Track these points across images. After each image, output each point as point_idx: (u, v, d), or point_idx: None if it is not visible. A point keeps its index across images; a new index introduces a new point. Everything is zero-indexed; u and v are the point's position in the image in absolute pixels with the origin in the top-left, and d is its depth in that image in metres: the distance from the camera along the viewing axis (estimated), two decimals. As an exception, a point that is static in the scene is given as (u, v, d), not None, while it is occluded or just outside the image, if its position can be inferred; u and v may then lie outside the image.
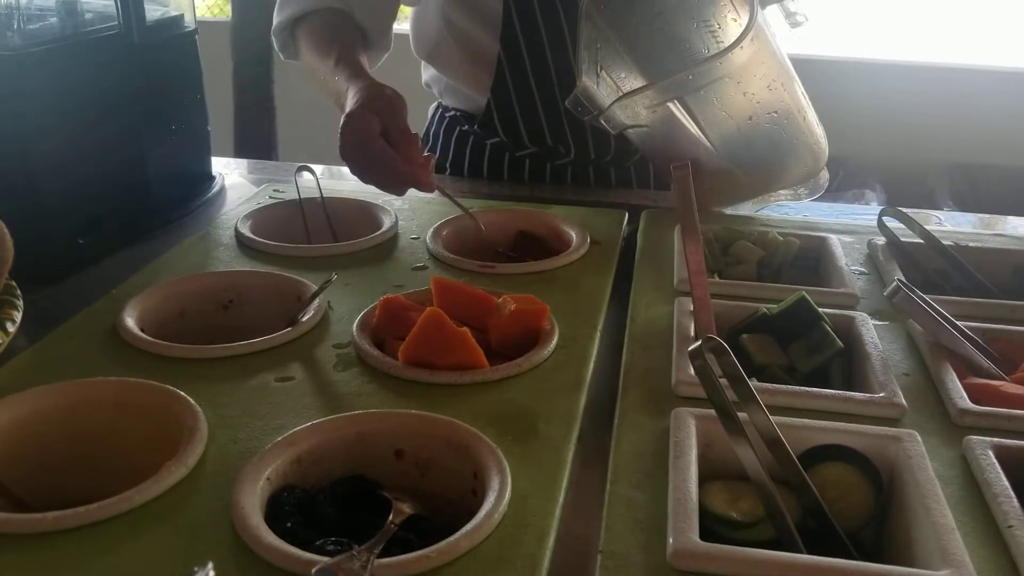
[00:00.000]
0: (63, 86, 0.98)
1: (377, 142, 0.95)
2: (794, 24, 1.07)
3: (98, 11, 1.05)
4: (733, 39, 0.88)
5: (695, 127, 0.92)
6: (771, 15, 1.01)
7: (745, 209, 1.15)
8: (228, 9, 3.43)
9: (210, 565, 0.40)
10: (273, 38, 1.30)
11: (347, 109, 0.99)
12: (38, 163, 0.96)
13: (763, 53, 0.93)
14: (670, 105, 0.91)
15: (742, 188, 1.07)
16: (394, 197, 1.16)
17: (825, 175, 1.14)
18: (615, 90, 0.92)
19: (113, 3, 1.04)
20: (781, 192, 1.14)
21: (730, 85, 0.92)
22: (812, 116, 1.04)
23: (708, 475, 0.64)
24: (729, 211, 1.13)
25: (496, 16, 1.22)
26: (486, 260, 0.99)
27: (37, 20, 1.00)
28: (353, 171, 0.99)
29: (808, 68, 1.15)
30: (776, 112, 0.97)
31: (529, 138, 1.29)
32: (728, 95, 0.92)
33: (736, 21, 0.90)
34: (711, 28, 0.90)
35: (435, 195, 1.03)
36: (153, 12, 1.10)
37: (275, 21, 1.28)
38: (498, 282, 0.91)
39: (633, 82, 0.91)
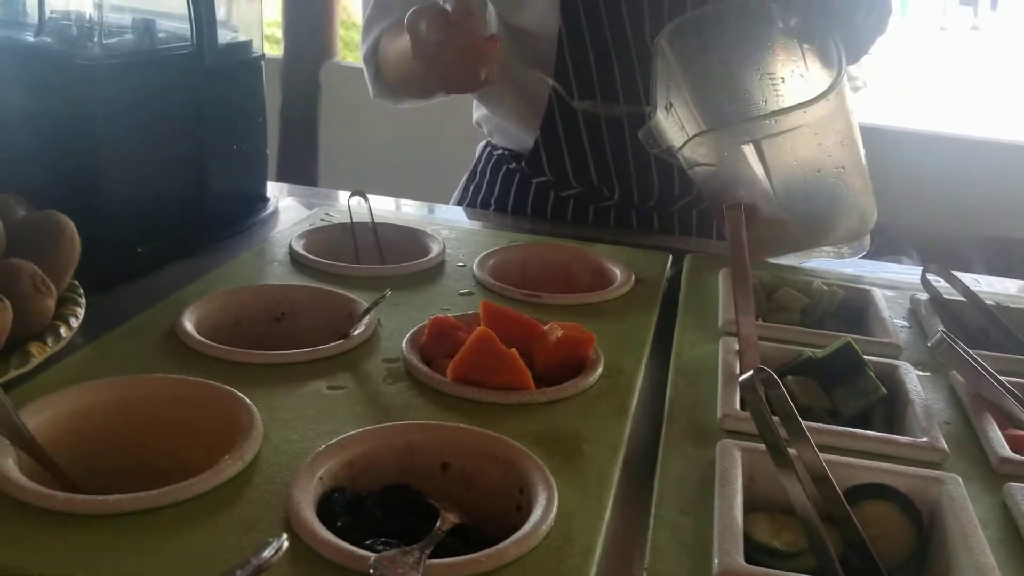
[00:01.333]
0: (135, 99, 1.02)
1: (445, 13, 0.95)
2: (854, 88, 1.10)
3: (173, 31, 1.10)
4: (795, 94, 0.91)
5: (763, 172, 0.94)
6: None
7: (787, 260, 1.16)
8: (279, 48, 3.53)
9: (284, 537, 0.42)
10: (365, 66, 1.30)
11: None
12: (106, 170, 1.00)
13: (842, 109, 0.95)
14: (744, 148, 0.93)
15: (791, 240, 1.08)
16: (441, 225, 1.19)
17: (868, 237, 1.15)
18: (681, 128, 0.94)
19: (188, 25, 1.08)
20: (825, 248, 1.16)
21: (808, 135, 0.93)
22: (867, 178, 1.06)
23: (751, 506, 0.64)
24: (772, 260, 1.15)
25: (549, 58, 1.25)
26: (531, 290, 1.00)
27: (116, 35, 1.05)
28: (421, 53, 0.99)
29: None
30: (843, 168, 0.99)
31: (575, 178, 1.31)
32: (804, 144, 0.94)
33: (803, 77, 0.92)
34: (774, 81, 0.92)
35: (480, 225, 1.04)
36: (224, 36, 1.14)
37: (364, 48, 1.28)
38: (542, 311, 0.93)
39: (692, 122, 0.93)
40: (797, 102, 0.91)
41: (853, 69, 1.07)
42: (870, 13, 1.01)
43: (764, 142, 0.93)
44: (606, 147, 1.27)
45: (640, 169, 1.28)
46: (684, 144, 0.95)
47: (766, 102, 0.92)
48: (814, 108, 0.90)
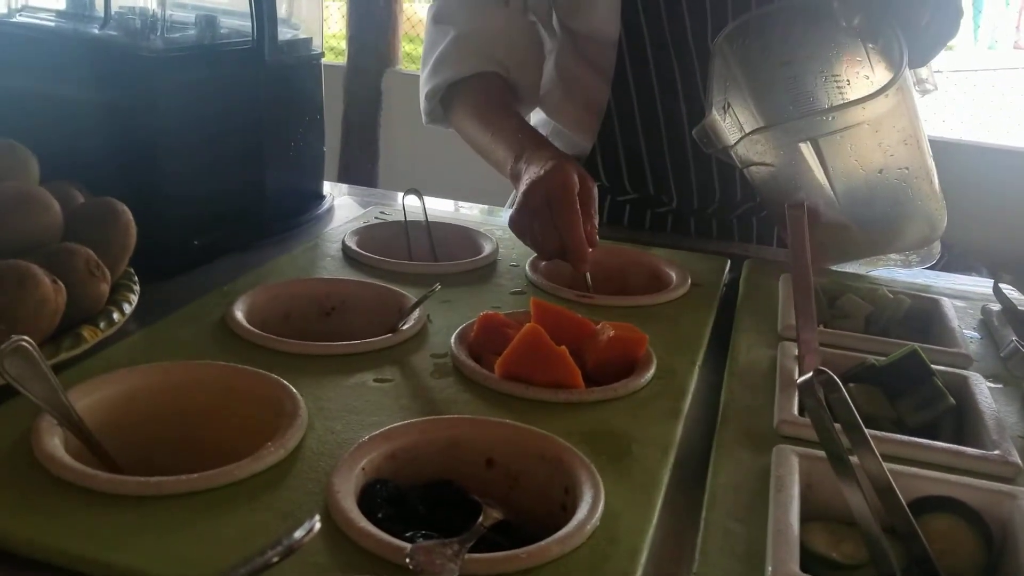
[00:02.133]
0: (195, 93, 1.03)
1: (575, 201, 0.94)
2: (923, 91, 1.06)
3: (234, 27, 1.11)
4: (861, 96, 0.87)
5: (822, 173, 0.91)
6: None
7: (852, 268, 1.12)
8: (343, 58, 3.57)
9: (316, 517, 0.40)
10: (424, 101, 1.29)
11: (547, 165, 0.99)
12: (164, 162, 1.01)
13: (904, 106, 0.91)
14: (802, 147, 0.89)
15: (855, 246, 1.04)
16: (496, 226, 1.18)
17: (938, 245, 1.11)
18: (739, 128, 0.91)
19: (249, 21, 1.09)
20: (892, 256, 1.12)
21: (868, 133, 0.90)
22: (936, 182, 1.02)
23: (807, 516, 0.61)
24: (836, 268, 1.11)
25: (609, 65, 1.23)
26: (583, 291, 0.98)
27: (178, 30, 1.06)
28: (523, 222, 0.98)
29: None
30: (907, 169, 0.94)
31: (630, 185, 1.29)
32: (863, 143, 0.90)
33: (868, 79, 0.89)
34: (839, 83, 0.89)
35: None
36: (284, 33, 1.15)
37: (428, 86, 1.26)
38: (595, 312, 0.91)
39: (751, 122, 0.90)
40: (860, 101, 0.88)
41: (923, 72, 1.03)
42: (937, 12, 0.97)
43: (823, 141, 0.89)
44: (665, 155, 1.24)
45: (701, 176, 1.25)
46: (740, 140, 0.92)
47: (831, 105, 0.89)
48: (873, 104, 0.87)
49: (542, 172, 0.99)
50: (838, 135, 0.89)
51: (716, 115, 0.94)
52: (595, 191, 1.00)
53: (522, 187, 1.00)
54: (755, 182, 1.05)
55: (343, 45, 3.67)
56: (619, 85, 1.23)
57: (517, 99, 1.27)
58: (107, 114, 0.97)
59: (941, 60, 1.07)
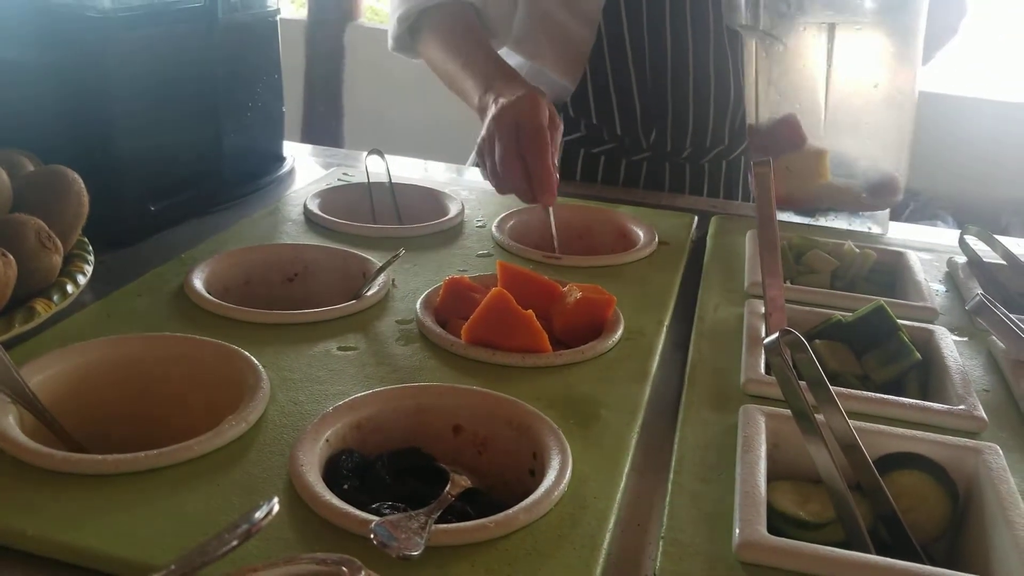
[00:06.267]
0: (147, 53, 0.99)
1: (545, 128, 0.93)
2: None
3: (186, -16, 1.07)
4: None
5: (824, 70, 0.94)
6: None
7: (807, 221, 1.12)
8: (304, 11, 3.49)
9: (275, 500, 0.39)
10: (396, 25, 1.27)
11: (518, 93, 0.98)
12: (118, 127, 0.97)
13: (919, 28, 0.97)
14: (818, 30, 0.94)
15: (815, 178, 1.04)
16: (462, 187, 1.16)
17: (887, 224, 1.12)
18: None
19: (200, -23, 1.06)
20: (844, 221, 1.12)
21: (882, 35, 0.96)
22: (910, 139, 1.03)
23: (774, 475, 0.61)
24: (796, 220, 1.11)
25: (593, 7, 1.21)
26: (550, 252, 0.97)
27: (127, -12, 1.02)
28: (487, 148, 0.98)
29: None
30: (900, 93, 0.98)
31: (620, 122, 1.26)
32: (875, 46, 0.96)
33: None
34: None
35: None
36: (238, -11, 1.11)
37: (400, 11, 1.25)
38: (563, 273, 0.90)
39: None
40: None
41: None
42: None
43: (840, 30, 0.93)
44: (648, 86, 1.23)
45: (677, 111, 1.25)
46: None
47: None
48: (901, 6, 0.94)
49: (513, 98, 0.97)
50: (853, 29, 0.93)
51: None
52: (562, 126, 0.99)
53: (490, 112, 0.99)
54: (759, 79, 1.04)
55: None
56: (611, 20, 1.21)
57: (490, 32, 1.25)
58: (55, 78, 0.94)
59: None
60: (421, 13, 1.23)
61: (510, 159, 0.95)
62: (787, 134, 1.01)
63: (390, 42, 1.30)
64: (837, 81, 0.97)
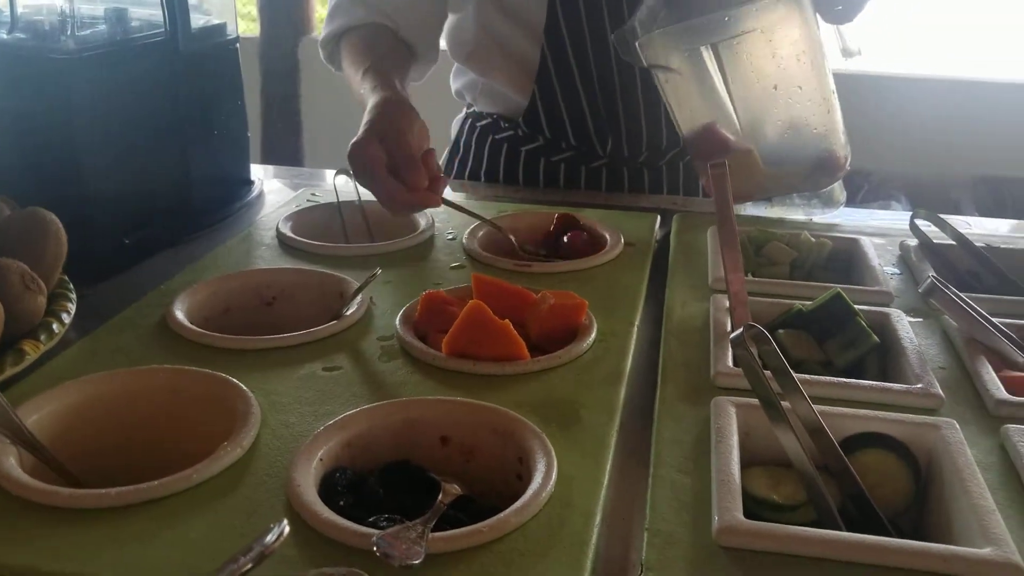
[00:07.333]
0: (111, 90, 1.01)
1: (379, 173, 0.96)
2: (847, 54, 1.10)
3: (145, 19, 1.09)
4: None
5: (723, 86, 0.96)
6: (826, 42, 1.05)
7: (759, 211, 1.16)
8: (256, 27, 3.49)
9: (284, 522, 0.42)
10: (320, 49, 1.33)
11: (359, 132, 1.00)
12: (86, 163, 0.99)
13: (798, 19, 0.98)
14: (704, 56, 0.96)
15: (758, 175, 1.07)
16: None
17: (842, 193, 1.15)
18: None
19: (160, 11, 1.07)
20: (796, 201, 1.15)
21: (762, 42, 0.97)
22: (838, 116, 1.05)
23: (747, 462, 0.65)
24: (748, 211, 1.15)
25: (536, 20, 1.24)
26: (521, 260, 1.00)
27: (88, 27, 1.03)
28: (360, 181, 1.02)
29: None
30: (801, 88, 1.00)
31: (573, 133, 1.30)
32: (759, 54, 0.97)
33: None
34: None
35: (468, 197, 1.04)
36: (197, 20, 1.13)
37: (323, 33, 1.31)
38: (534, 281, 0.93)
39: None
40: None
41: (845, 31, 1.06)
42: None
43: (722, 49, 0.95)
44: (599, 100, 1.26)
45: (629, 120, 1.28)
46: (646, 36, 0.98)
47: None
48: (764, 10, 0.95)
49: (352, 142, 0.99)
50: (735, 43, 0.94)
51: (636, 22, 0.99)
52: (407, 134, 0.99)
53: (359, 132, 1.01)
54: (670, 103, 1.08)
55: (255, 12, 3.58)
56: (553, 39, 1.24)
57: (412, 54, 1.29)
58: (23, 121, 0.96)
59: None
60: (340, 36, 1.29)
61: (375, 192, 0.99)
62: (713, 141, 1.05)
63: (328, 65, 1.35)
64: (739, 92, 0.99)
